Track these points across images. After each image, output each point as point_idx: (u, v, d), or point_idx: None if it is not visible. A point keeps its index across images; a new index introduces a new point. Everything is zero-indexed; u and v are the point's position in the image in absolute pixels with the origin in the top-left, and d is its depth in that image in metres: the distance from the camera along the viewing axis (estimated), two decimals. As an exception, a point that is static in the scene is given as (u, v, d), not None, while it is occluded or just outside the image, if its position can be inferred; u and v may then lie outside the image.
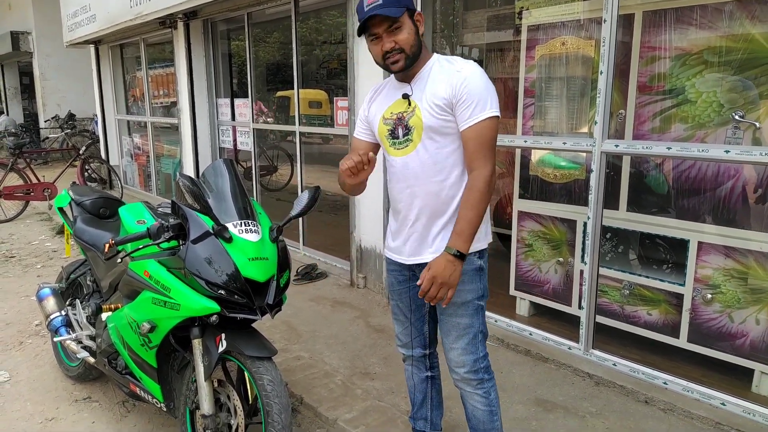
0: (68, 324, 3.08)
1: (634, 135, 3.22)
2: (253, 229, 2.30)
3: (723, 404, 2.69)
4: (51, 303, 3.15)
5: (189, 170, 6.72)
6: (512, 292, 3.86)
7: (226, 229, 2.23)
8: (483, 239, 2.02)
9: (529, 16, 3.58)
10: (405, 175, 2.00)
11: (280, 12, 5.46)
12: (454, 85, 1.86)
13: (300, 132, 5.38)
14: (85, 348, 2.96)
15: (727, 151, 2.57)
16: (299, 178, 5.48)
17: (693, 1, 2.93)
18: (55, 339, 2.99)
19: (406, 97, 1.96)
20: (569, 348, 3.28)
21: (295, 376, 3.16)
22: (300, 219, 5.43)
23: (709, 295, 2.96)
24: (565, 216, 3.53)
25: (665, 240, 3.19)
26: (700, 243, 2.97)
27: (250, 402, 2.33)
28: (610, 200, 3.32)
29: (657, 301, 3.20)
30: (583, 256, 3.23)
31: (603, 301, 3.40)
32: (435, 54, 2.00)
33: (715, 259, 2.94)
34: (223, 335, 2.28)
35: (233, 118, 6.38)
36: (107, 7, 7.07)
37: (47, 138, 11.35)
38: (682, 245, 3.06)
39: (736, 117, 2.81)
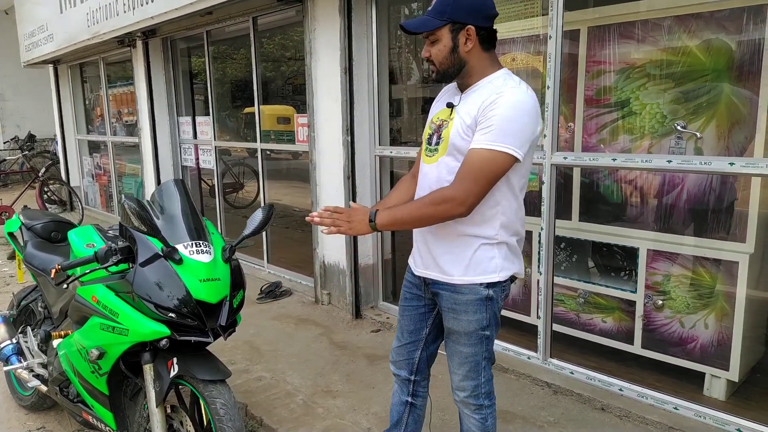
0: (20, 352, 3.00)
1: (583, 147, 3.30)
2: (205, 249, 2.28)
3: (676, 408, 2.75)
4: (1, 331, 3.06)
5: (150, 190, 6.63)
6: (474, 303, 3.89)
7: (176, 250, 2.20)
8: (494, 271, 1.88)
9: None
10: (424, 184, 1.96)
11: (239, 30, 5.46)
12: (483, 107, 1.76)
13: (262, 149, 5.36)
14: (36, 376, 2.88)
15: (669, 161, 2.65)
16: (263, 195, 5.46)
17: (634, 16, 3.03)
18: (5, 368, 2.90)
19: (450, 106, 1.90)
20: (528, 358, 3.32)
21: (256, 397, 3.13)
22: (264, 236, 5.40)
23: (660, 302, 3.04)
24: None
25: (616, 248, 3.26)
26: (649, 251, 3.05)
27: (205, 426, 2.29)
28: (564, 210, 3.40)
29: (611, 308, 3.27)
30: (539, 266, 3.29)
31: (560, 310, 3.45)
32: (501, 70, 1.87)
33: (664, 265, 3.02)
34: (174, 359, 2.24)
35: (195, 136, 6.33)
36: (65, 26, 6.97)
37: (4, 160, 11.07)
38: (632, 253, 3.14)
39: (678, 127, 2.91)
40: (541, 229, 3.16)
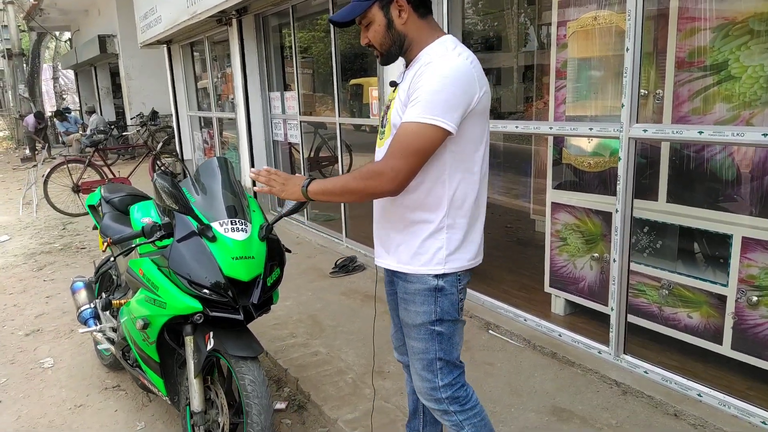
0: (97, 316, 3.24)
1: (673, 117, 2.89)
2: (241, 227, 2.28)
3: (764, 423, 2.37)
4: (82, 295, 3.32)
5: (245, 162, 6.90)
6: (547, 288, 3.63)
7: (210, 228, 2.23)
8: (439, 264, 1.75)
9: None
10: None
11: (322, 3, 5.44)
12: (414, 81, 1.66)
13: (340, 123, 5.35)
14: (109, 339, 3.10)
15: (765, 135, 2.23)
16: (341, 169, 5.48)
17: (737, -38, 2.57)
18: (80, 330, 3.15)
19: (393, 85, 1.83)
20: (599, 352, 3.03)
21: (308, 372, 3.15)
22: (343, 211, 5.42)
23: (755, 298, 2.62)
24: (600, 208, 3.25)
25: (707, 235, 2.85)
26: (744, 238, 2.63)
27: (238, 401, 2.33)
28: (650, 190, 3.03)
29: (698, 302, 2.87)
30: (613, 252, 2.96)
31: (641, 301, 3.11)
32: (442, 37, 1.73)
33: (762, 257, 2.59)
34: (211, 333, 2.29)
35: (283, 111, 6.46)
36: (170, 8, 7.37)
37: (122, 135, 12.21)
38: (724, 241, 2.73)
39: (786, 94, 2.45)
40: (616, 210, 2.83)
